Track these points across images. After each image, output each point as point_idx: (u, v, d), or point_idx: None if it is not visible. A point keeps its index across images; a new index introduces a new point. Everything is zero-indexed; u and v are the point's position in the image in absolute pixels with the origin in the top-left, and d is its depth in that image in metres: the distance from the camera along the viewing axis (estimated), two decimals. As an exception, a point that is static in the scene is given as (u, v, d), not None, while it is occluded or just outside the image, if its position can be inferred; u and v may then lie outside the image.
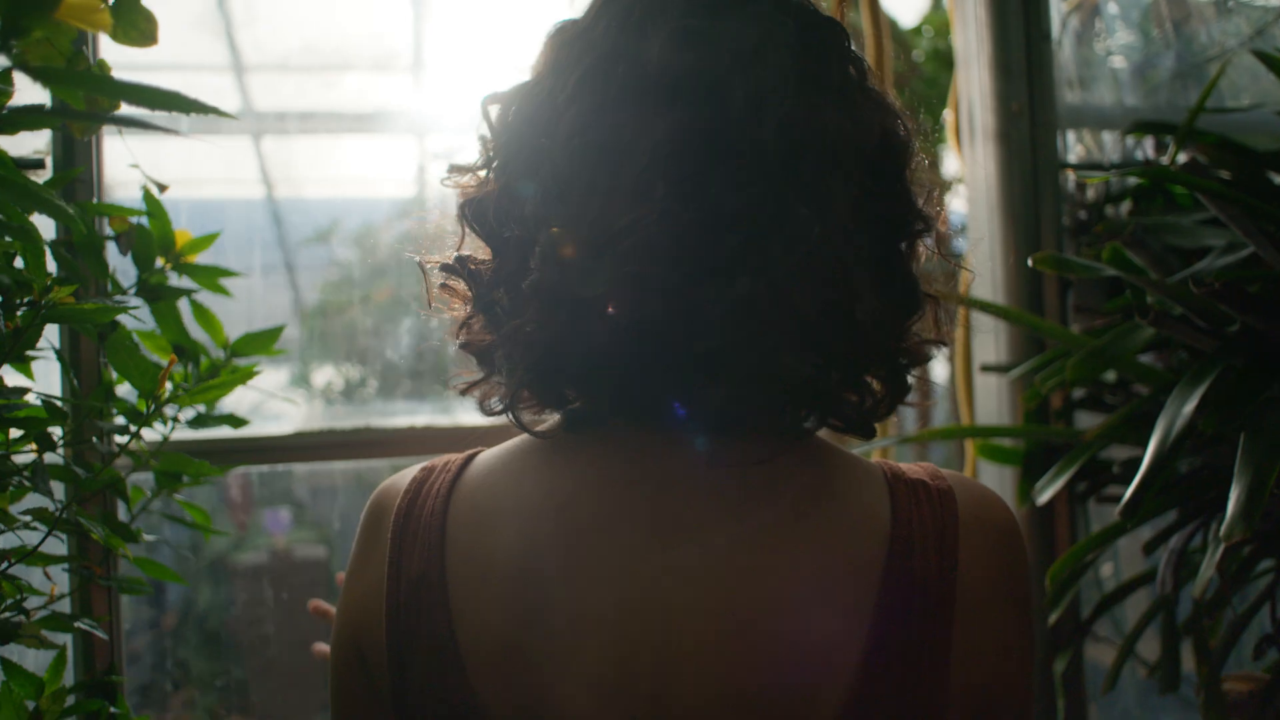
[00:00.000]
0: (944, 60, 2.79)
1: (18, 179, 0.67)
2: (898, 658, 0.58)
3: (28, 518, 0.97)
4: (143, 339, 1.09)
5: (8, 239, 0.79)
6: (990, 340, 1.35)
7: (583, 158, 0.60)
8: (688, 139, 0.57)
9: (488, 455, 0.70)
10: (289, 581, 2.11)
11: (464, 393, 0.71)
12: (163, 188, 1.01)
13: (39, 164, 1.06)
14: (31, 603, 1.01)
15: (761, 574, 0.59)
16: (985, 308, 1.05)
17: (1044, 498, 1.08)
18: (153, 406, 0.84)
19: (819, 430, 0.65)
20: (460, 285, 0.69)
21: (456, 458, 0.70)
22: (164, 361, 1.09)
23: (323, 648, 1.01)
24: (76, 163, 1.06)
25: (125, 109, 0.62)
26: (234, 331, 1.18)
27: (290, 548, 2.23)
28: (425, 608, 0.63)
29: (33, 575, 1.05)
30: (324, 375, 3.18)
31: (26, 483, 0.93)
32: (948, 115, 1.55)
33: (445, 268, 0.70)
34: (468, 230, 0.68)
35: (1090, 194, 1.30)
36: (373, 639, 0.66)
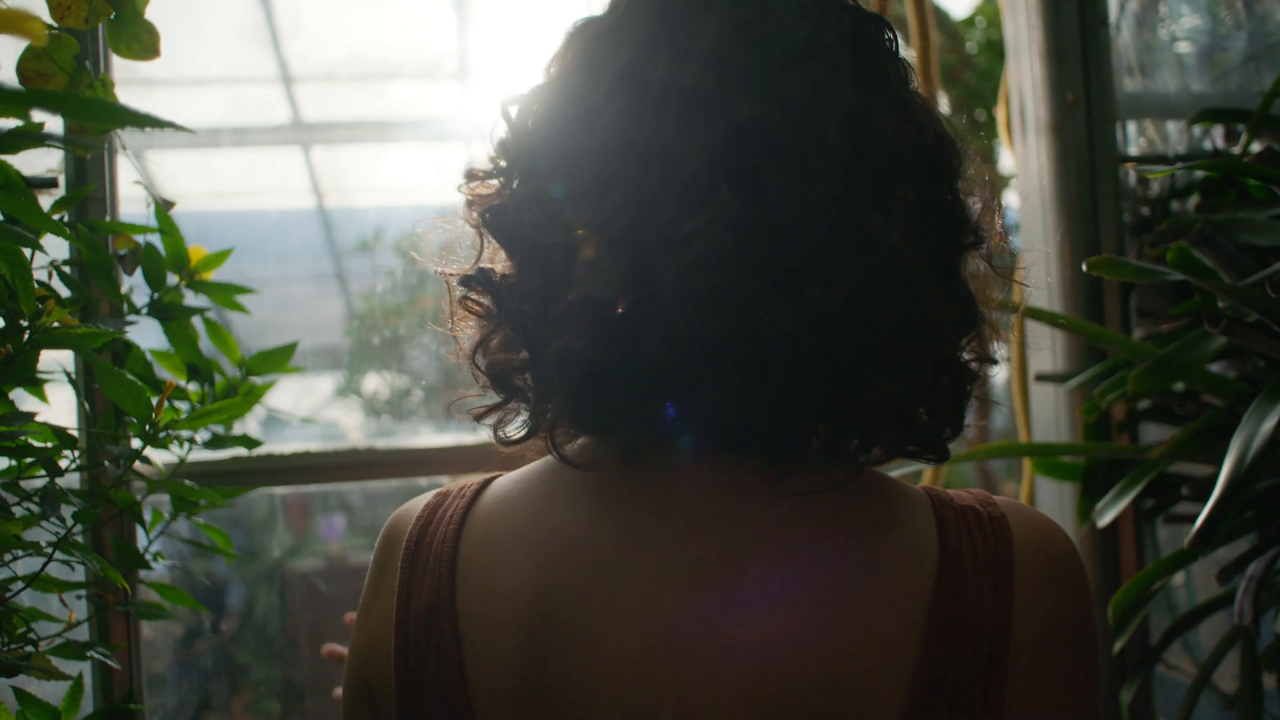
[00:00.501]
0: (998, 51, 2.68)
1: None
2: (945, 698, 0.52)
3: (41, 543, 0.95)
4: (158, 359, 1.06)
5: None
6: (1047, 345, 1.26)
7: (627, 158, 0.55)
8: (746, 138, 0.53)
9: (505, 480, 0.65)
10: (344, 587, 2.11)
11: (480, 419, 0.66)
12: (169, 204, 0.97)
13: (52, 183, 1.04)
14: (49, 629, 0.99)
15: (793, 613, 0.54)
16: (1039, 316, 0.96)
17: (1105, 520, 0.99)
18: (151, 432, 0.80)
19: (892, 457, 0.60)
20: (481, 300, 0.64)
21: (472, 483, 0.66)
22: (181, 380, 1.06)
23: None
24: (88, 181, 1.03)
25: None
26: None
27: (345, 554, 2.24)
28: (434, 642, 0.58)
29: (50, 602, 1.02)
30: (372, 384, 3.17)
31: (33, 509, 0.90)
32: (999, 109, 1.46)
33: (465, 280, 0.64)
34: (487, 240, 0.63)
35: (1154, 189, 1.20)
36: (381, 676, 0.61)
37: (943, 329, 0.57)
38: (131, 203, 1.22)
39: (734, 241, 0.52)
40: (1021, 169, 1.32)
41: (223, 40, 2.90)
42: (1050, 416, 1.26)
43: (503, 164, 0.63)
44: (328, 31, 3.19)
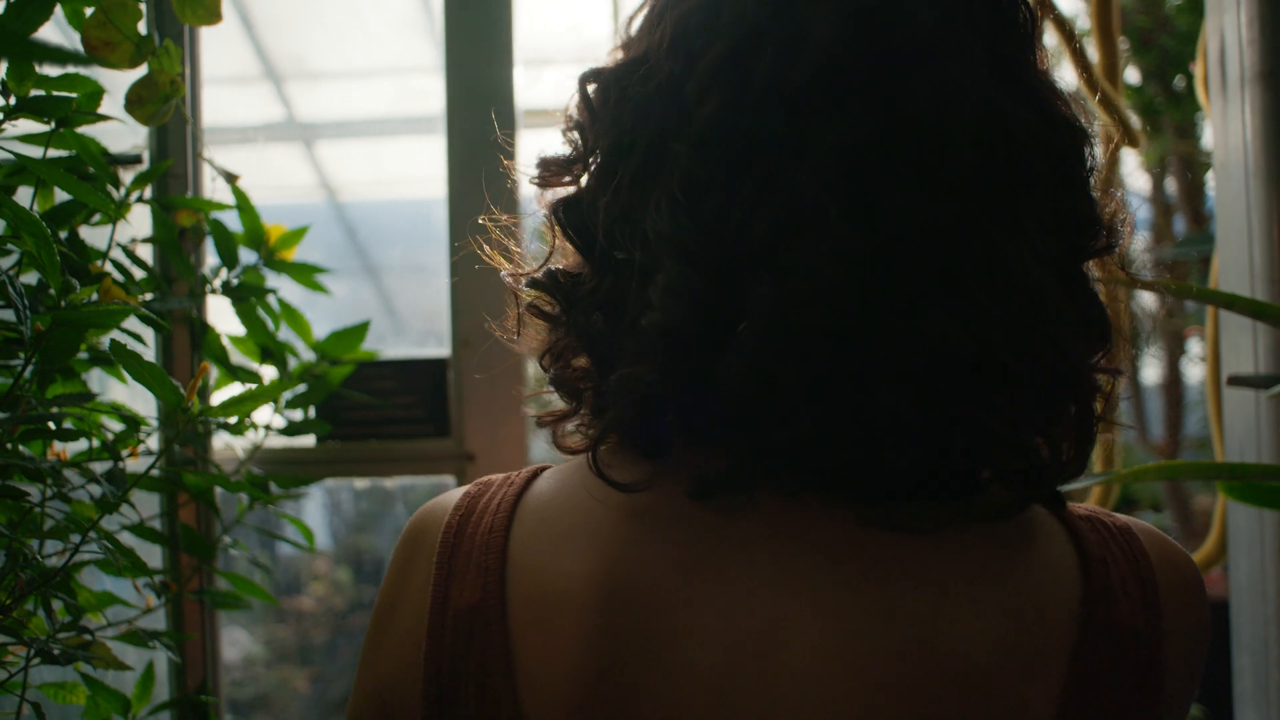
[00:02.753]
0: (1200, 10, 2.34)
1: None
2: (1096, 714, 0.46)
3: (115, 528, 0.91)
4: (233, 342, 1.01)
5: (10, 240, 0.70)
6: (1247, 344, 1.02)
7: (726, 169, 0.48)
8: (862, 156, 0.46)
9: (558, 470, 0.56)
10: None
11: (544, 425, 0.58)
12: (233, 177, 0.91)
13: (136, 159, 1.00)
14: (122, 615, 0.95)
15: (916, 626, 0.46)
16: (1233, 303, 0.75)
17: (1319, 563, 0.77)
18: (184, 418, 0.73)
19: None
20: (548, 305, 0.56)
21: (519, 473, 0.57)
22: (254, 364, 1.01)
23: None
24: (170, 158, 0.99)
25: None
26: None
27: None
28: (477, 643, 0.49)
29: (124, 589, 0.99)
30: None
31: (92, 493, 0.86)
32: (1197, 65, 1.21)
33: (534, 283, 0.56)
34: (561, 238, 0.55)
35: (1398, 148, 0.94)
36: (403, 693, 0.51)
37: (1072, 355, 0.49)
38: (259, 189, 1.17)
39: (843, 274, 0.45)
40: (1220, 132, 1.08)
41: (384, 29, 2.94)
42: (1248, 427, 1.02)
43: (578, 148, 0.55)
44: (485, 20, 3.18)
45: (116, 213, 0.84)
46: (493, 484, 0.56)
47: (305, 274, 0.98)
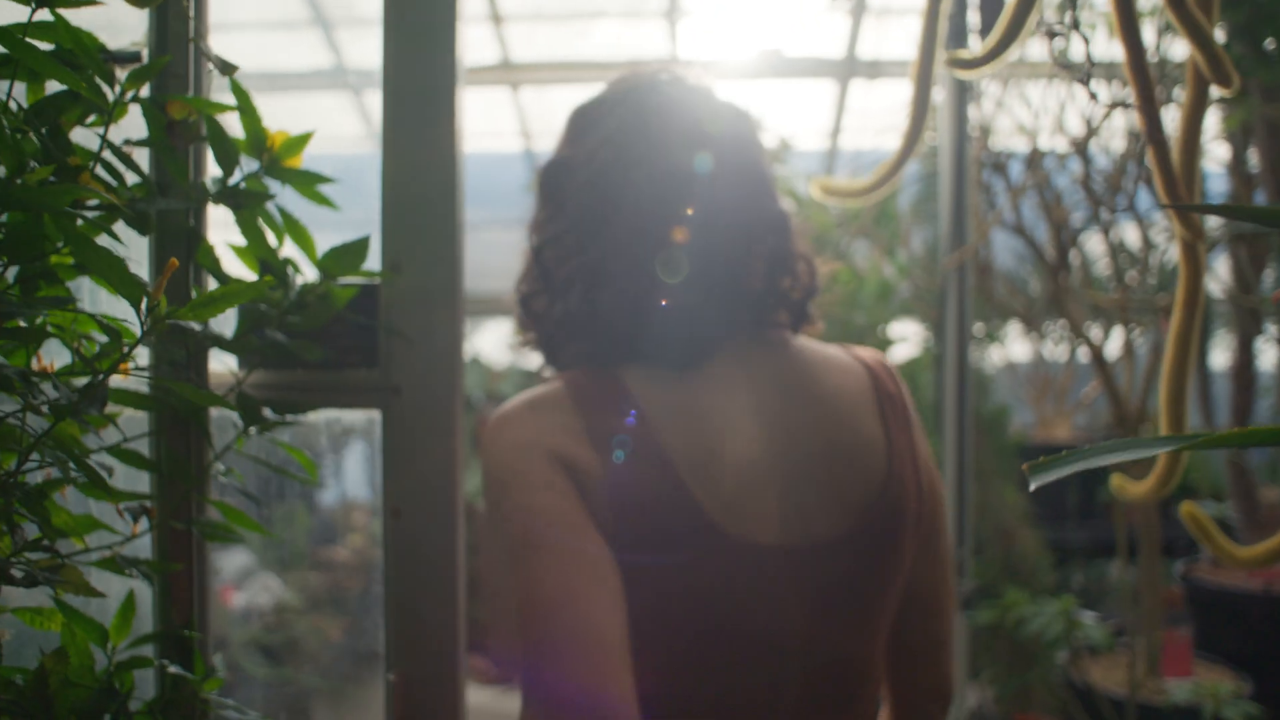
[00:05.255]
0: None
1: None
2: (902, 444, 0.90)
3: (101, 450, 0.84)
4: (236, 253, 0.93)
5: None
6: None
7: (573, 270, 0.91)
8: (677, 249, 0.88)
9: (627, 371, 0.90)
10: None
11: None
12: (230, 68, 0.82)
13: (135, 57, 0.92)
14: (107, 540, 0.89)
15: (815, 401, 0.89)
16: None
17: None
18: (148, 322, 0.65)
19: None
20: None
21: (592, 371, 0.88)
22: (254, 276, 0.93)
23: None
24: (169, 53, 0.91)
25: None
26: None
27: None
28: (621, 414, 0.83)
29: (108, 513, 0.92)
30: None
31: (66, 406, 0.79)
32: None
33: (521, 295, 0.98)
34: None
35: None
36: (574, 447, 0.81)
37: (767, 278, 0.93)
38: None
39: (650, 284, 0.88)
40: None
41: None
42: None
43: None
44: (537, -32, 3.06)
45: (112, 110, 0.76)
46: (576, 377, 0.86)
47: (308, 183, 0.90)
